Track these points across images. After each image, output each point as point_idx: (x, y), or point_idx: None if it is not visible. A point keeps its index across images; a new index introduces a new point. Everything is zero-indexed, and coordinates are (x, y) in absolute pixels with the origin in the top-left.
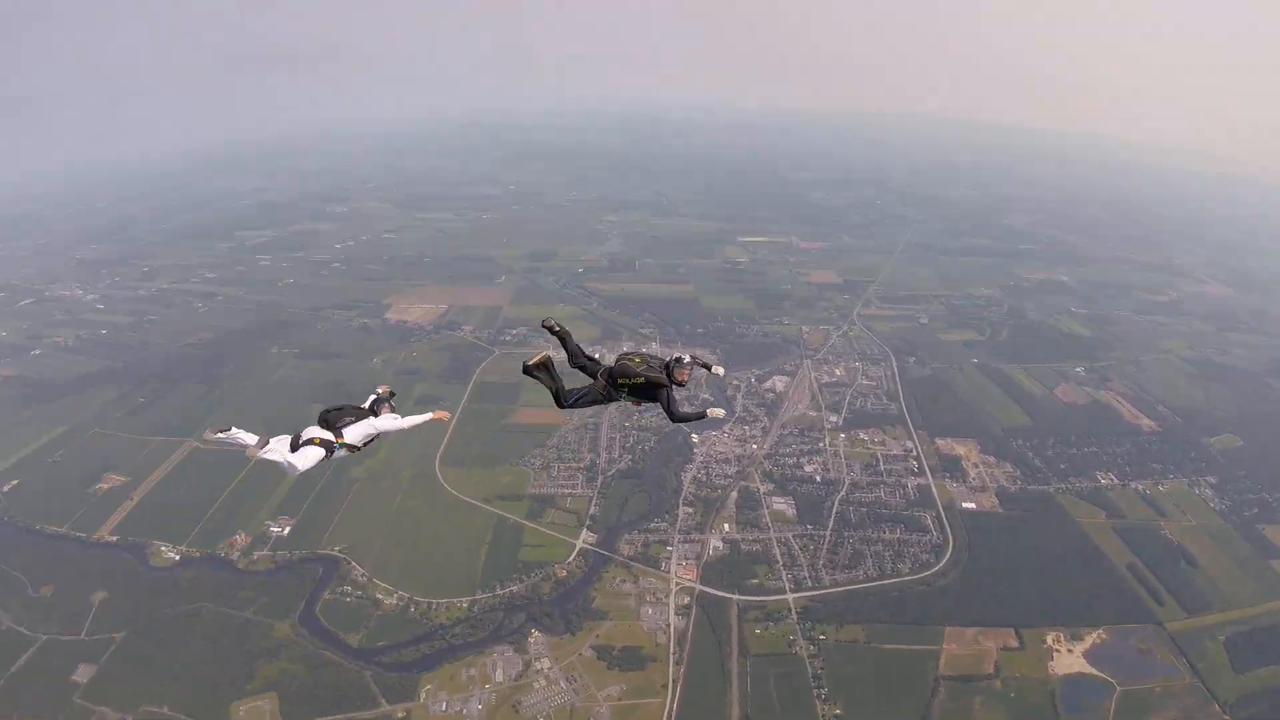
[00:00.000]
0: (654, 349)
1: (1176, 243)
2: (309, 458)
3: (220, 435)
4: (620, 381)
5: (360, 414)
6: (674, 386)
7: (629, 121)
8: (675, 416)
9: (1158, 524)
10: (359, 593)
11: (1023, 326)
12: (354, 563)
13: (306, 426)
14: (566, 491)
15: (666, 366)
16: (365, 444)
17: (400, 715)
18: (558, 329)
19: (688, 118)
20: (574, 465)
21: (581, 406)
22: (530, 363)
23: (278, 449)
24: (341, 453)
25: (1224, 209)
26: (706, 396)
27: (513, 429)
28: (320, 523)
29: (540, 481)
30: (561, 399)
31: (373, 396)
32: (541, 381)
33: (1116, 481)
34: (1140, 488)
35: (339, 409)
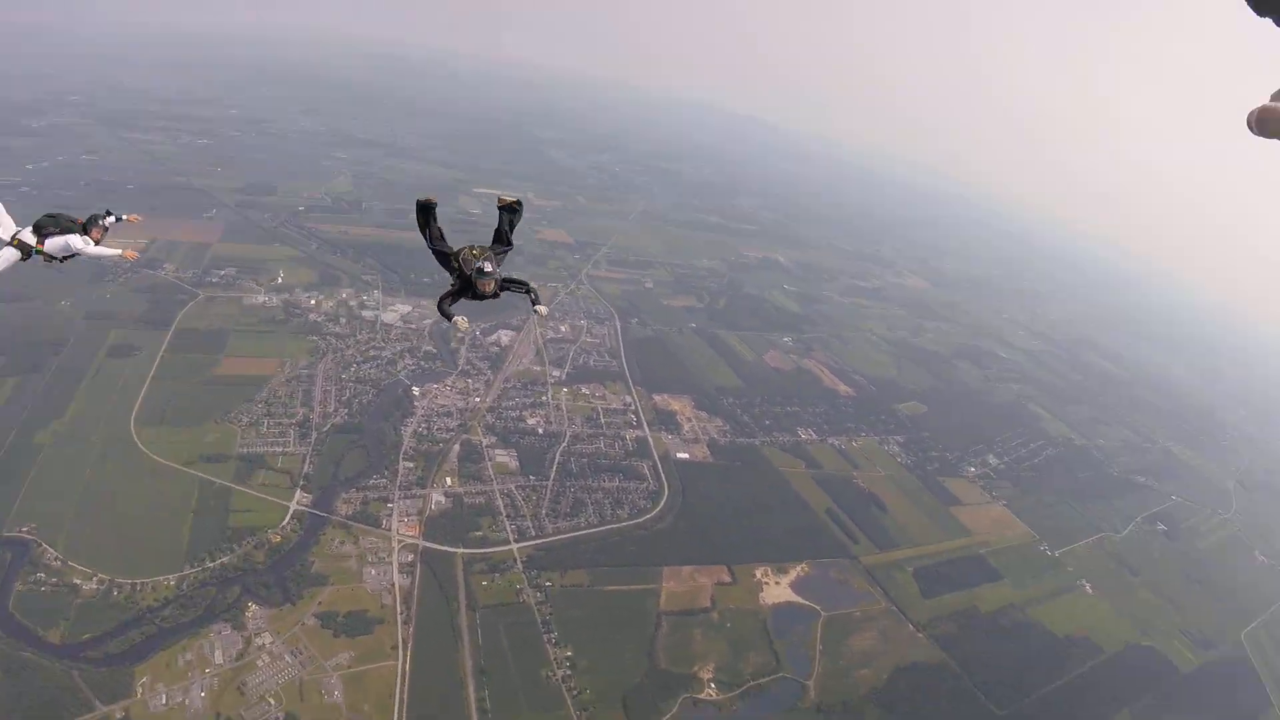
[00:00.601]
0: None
1: (887, 239)
2: (2, 258)
3: None
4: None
5: (70, 228)
6: (470, 291)
7: (376, 56)
8: (439, 302)
9: (851, 474)
10: (55, 579)
11: (739, 298)
12: (45, 545)
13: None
14: (278, 450)
15: (477, 270)
16: (64, 258)
17: (119, 716)
18: (503, 204)
19: (439, 61)
20: (286, 421)
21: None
22: (508, 200)
23: None
24: (38, 260)
25: (934, 215)
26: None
27: (218, 381)
28: (3, 499)
29: (249, 439)
30: (502, 240)
31: (94, 214)
32: (502, 219)
33: (815, 437)
34: (836, 443)
35: (54, 217)
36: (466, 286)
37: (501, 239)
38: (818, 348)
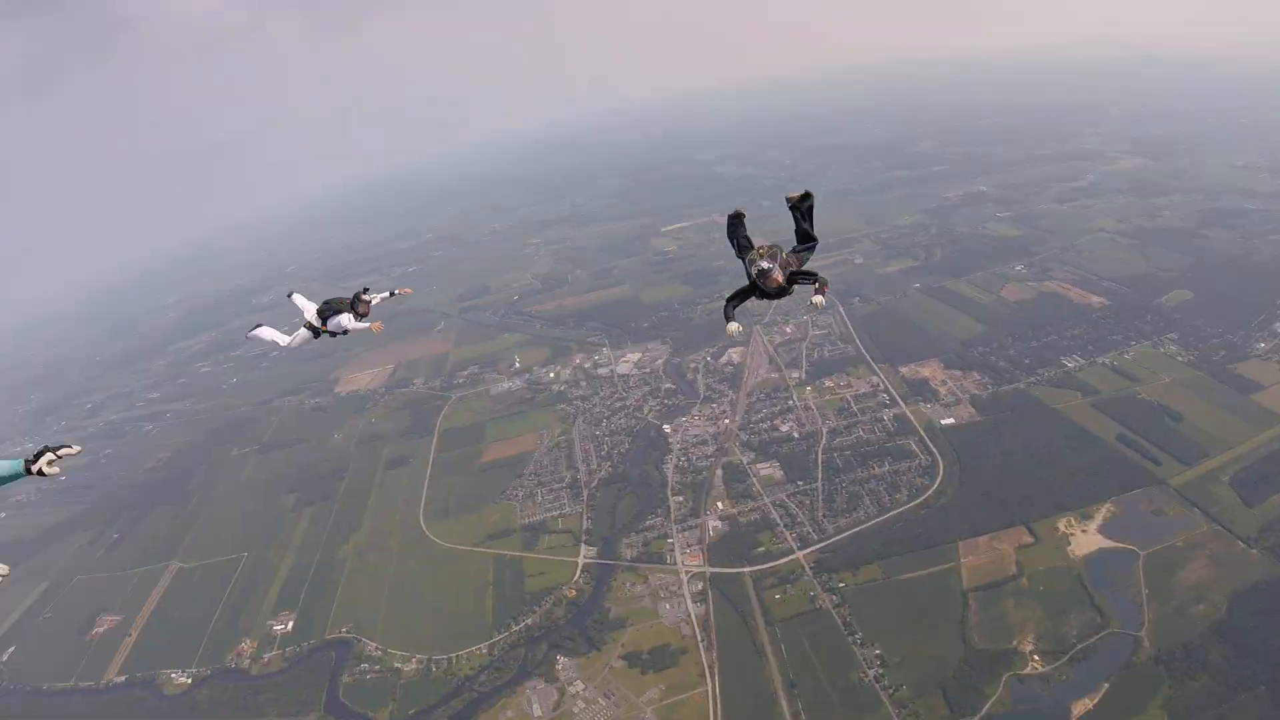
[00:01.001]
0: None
1: (1081, 130)
2: (298, 338)
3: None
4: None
5: (341, 308)
6: (757, 290)
7: (523, 144)
8: (725, 303)
9: (1134, 390)
10: (377, 667)
11: (954, 242)
12: (364, 639)
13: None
14: (556, 514)
15: (758, 271)
16: (340, 333)
17: None
18: (792, 201)
19: (577, 124)
20: (556, 486)
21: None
22: (795, 196)
23: (268, 331)
24: (324, 337)
25: (1115, 88)
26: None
27: (488, 467)
28: (321, 609)
29: (528, 510)
30: (804, 238)
31: (356, 292)
32: (797, 218)
33: (1083, 362)
34: (1107, 361)
35: (329, 302)
36: (754, 286)
37: (803, 237)
38: (1054, 266)
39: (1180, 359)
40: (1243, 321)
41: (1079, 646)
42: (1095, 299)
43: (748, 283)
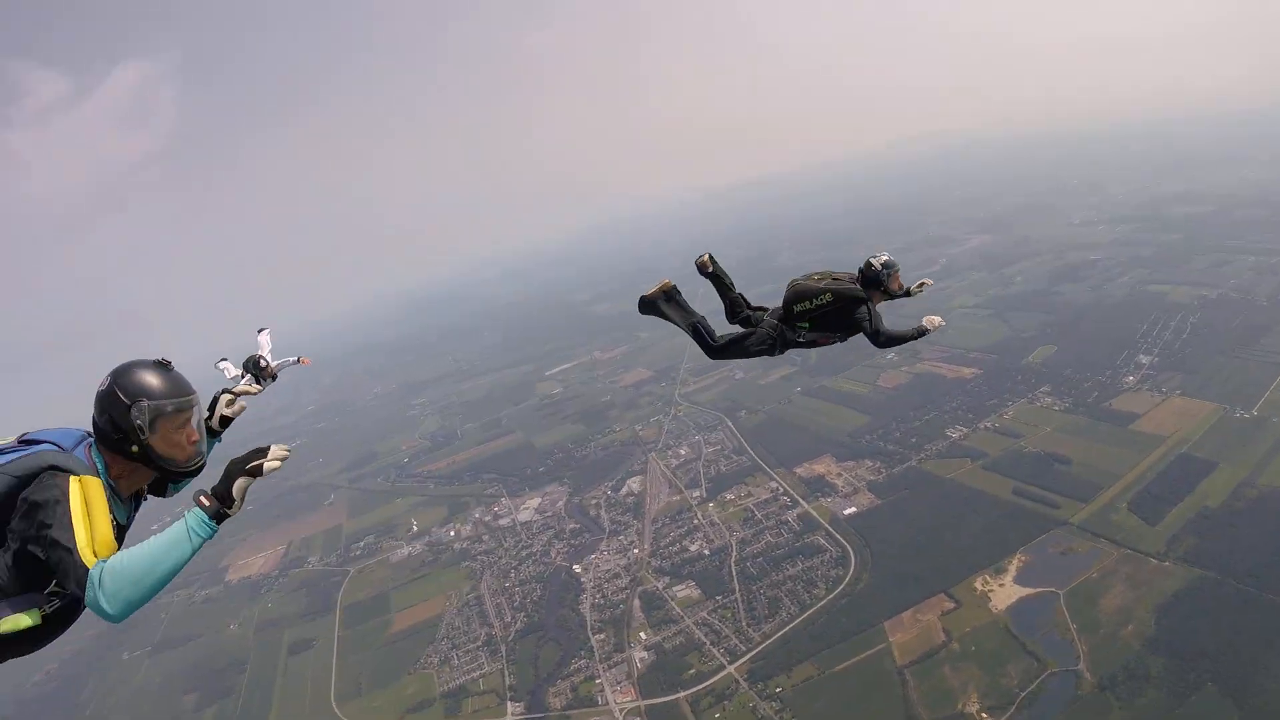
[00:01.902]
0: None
1: (923, 219)
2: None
3: None
4: (798, 309)
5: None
6: (879, 299)
7: (397, 306)
8: (882, 337)
9: (1019, 446)
10: None
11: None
12: None
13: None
14: (476, 674)
15: (864, 275)
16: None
17: None
18: (710, 270)
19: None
20: (472, 646)
21: (740, 354)
22: (649, 294)
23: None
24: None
25: (947, 176)
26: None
27: (397, 637)
28: None
29: (446, 676)
30: (707, 338)
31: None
32: (669, 318)
33: (966, 430)
34: (989, 424)
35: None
36: (836, 317)
37: (745, 307)
38: (923, 349)
39: (1057, 408)
40: (1107, 361)
41: (1023, 694)
42: (967, 371)
43: (830, 301)
